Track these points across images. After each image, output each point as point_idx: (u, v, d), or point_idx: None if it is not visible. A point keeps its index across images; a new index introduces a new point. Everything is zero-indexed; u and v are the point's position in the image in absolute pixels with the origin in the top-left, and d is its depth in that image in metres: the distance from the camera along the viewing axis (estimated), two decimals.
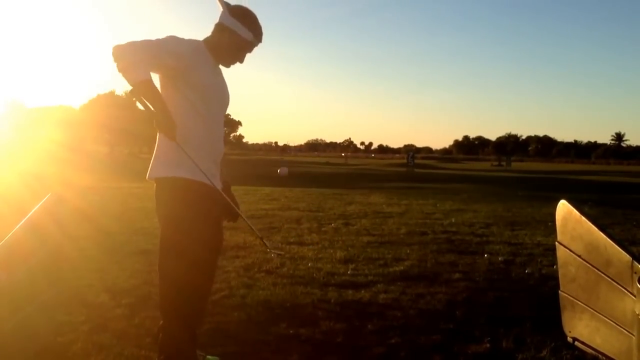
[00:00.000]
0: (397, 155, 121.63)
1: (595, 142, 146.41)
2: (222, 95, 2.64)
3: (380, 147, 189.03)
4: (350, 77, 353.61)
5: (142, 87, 2.36)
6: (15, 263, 2.51)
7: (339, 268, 4.88)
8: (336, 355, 2.92)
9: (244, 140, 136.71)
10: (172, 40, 2.44)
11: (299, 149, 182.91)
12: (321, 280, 4.43)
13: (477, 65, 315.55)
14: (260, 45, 2.64)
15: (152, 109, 2.39)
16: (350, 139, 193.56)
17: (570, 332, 3.08)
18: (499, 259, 5.41)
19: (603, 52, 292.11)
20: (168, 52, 2.40)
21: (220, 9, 2.56)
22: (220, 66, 2.65)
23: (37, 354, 2.75)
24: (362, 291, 4.11)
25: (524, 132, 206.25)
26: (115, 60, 2.32)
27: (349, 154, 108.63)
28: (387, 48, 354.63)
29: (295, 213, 9.09)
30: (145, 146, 59.21)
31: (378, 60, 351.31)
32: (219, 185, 2.60)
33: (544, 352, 2.93)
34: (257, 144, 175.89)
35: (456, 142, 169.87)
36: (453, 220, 8.38)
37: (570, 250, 2.98)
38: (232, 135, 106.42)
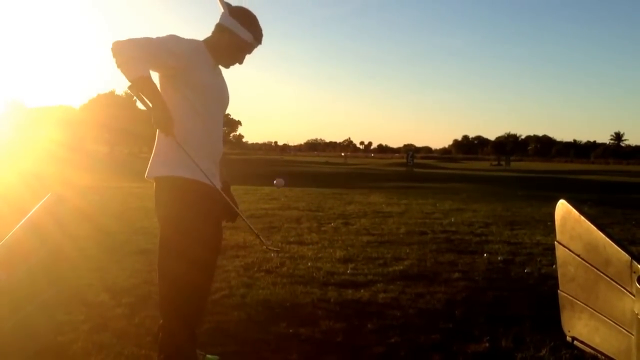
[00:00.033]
0: (397, 154, 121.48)
1: (595, 141, 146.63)
2: (221, 95, 2.63)
3: (380, 146, 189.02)
4: (350, 76, 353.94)
5: (140, 83, 2.35)
6: (15, 262, 2.51)
7: (338, 267, 4.89)
8: (336, 354, 2.93)
9: (244, 139, 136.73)
10: (172, 39, 2.44)
11: (298, 148, 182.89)
12: (321, 279, 4.44)
13: (476, 65, 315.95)
14: (260, 45, 2.65)
15: (150, 105, 2.39)
16: (349, 138, 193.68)
17: (569, 331, 3.08)
18: (498, 258, 5.41)
19: (602, 51, 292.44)
20: (167, 50, 2.40)
21: (221, 9, 2.56)
22: (220, 66, 2.65)
23: (37, 353, 2.76)
24: (362, 290, 4.12)
25: (523, 131, 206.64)
26: (115, 56, 2.32)
27: (348, 153, 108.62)
28: (387, 48, 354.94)
29: (295, 212, 9.09)
30: (145, 146, 59.11)
31: (378, 60, 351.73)
32: (218, 185, 2.60)
33: (543, 352, 2.94)
34: (256, 144, 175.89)
35: (455, 141, 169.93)
36: (452, 220, 8.39)
37: (570, 250, 2.98)
38: (231, 134, 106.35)
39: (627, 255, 2.57)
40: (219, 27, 2.56)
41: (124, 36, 2.38)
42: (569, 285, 3.05)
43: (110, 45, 2.33)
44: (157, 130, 2.50)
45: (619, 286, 2.62)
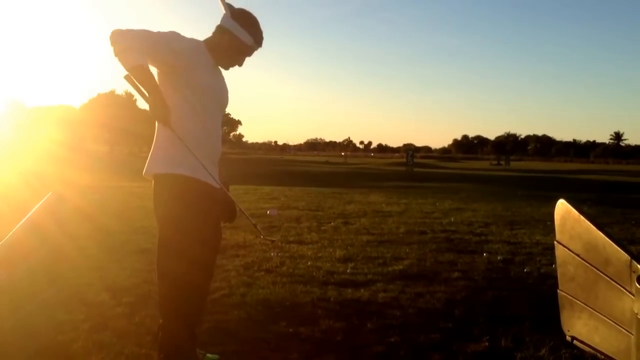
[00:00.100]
0: (397, 154, 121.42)
1: (594, 141, 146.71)
2: (220, 95, 2.63)
3: (380, 146, 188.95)
4: (349, 76, 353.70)
5: (136, 72, 2.34)
6: (15, 262, 2.51)
7: (338, 267, 4.89)
8: (335, 353, 2.93)
9: (244, 139, 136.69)
10: (173, 36, 2.44)
11: (298, 148, 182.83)
12: (321, 279, 4.44)
13: (476, 65, 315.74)
14: (260, 48, 2.64)
15: (147, 95, 2.38)
16: (349, 138, 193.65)
17: (569, 331, 3.09)
18: (498, 258, 5.42)
19: (602, 51, 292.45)
20: (166, 45, 2.39)
21: (222, 11, 2.56)
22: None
23: (37, 353, 2.76)
24: (362, 290, 4.12)
25: (523, 131, 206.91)
26: (113, 44, 2.31)
27: (348, 153, 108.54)
28: (387, 48, 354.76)
29: (294, 212, 9.09)
30: (145, 145, 59.06)
31: (378, 60, 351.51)
32: (217, 184, 2.60)
33: (543, 351, 2.94)
34: (256, 143, 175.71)
35: (455, 141, 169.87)
36: (452, 220, 8.39)
37: (569, 250, 2.98)
38: (231, 134, 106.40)
39: (626, 254, 2.57)
40: (220, 29, 2.55)
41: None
42: (569, 285, 3.05)
43: (109, 33, 2.31)
44: (157, 126, 2.50)
45: (618, 286, 2.62)
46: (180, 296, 2.47)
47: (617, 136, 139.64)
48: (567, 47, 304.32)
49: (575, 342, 3.02)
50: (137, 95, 2.45)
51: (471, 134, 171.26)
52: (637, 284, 2.46)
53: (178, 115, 2.44)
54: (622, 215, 9.21)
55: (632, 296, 2.52)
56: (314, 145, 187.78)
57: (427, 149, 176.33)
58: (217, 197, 2.58)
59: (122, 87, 78.00)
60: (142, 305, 3.62)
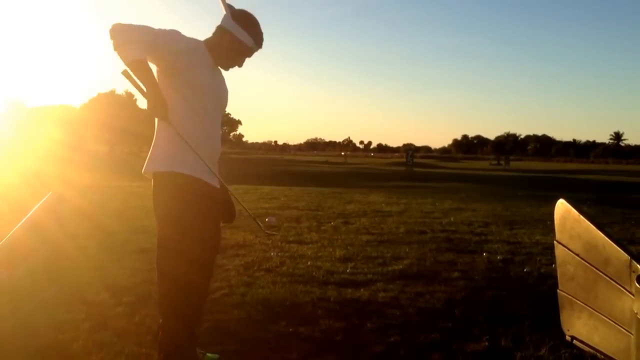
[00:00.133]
0: (396, 154, 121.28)
1: (594, 141, 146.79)
2: (220, 95, 2.63)
3: (380, 146, 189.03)
4: (349, 76, 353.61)
5: (134, 66, 2.33)
6: (16, 261, 2.52)
7: (338, 267, 4.89)
8: (335, 353, 2.93)
9: (244, 139, 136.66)
10: (174, 34, 2.44)
11: (298, 147, 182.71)
12: (320, 278, 4.44)
13: (476, 65, 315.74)
14: (260, 49, 2.64)
15: (144, 90, 2.38)
16: (349, 137, 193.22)
17: (568, 330, 3.09)
18: (498, 257, 5.42)
19: (602, 51, 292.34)
20: (167, 43, 2.39)
21: (223, 11, 2.56)
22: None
23: (37, 352, 2.76)
24: (362, 290, 4.12)
25: (522, 131, 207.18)
26: (112, 38, 2.30)
27: (348, 152, 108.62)
28: (387, 48, 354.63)
29: (294, 212, 9.10)
30: (145, 145, 59.04)
31: (378, 60, 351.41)
32: (217, 183, 2.60)
33: (543, 351, 2.94)
34: (256, 143, 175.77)
35: (455, 141, 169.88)
36: (452, 219, 8.39)
37: (569, 249, 2.99)
38: (232, 134, 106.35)
39: (626, 254, 2.57)
40: (221, 29, 2.55)
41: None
42: (569, 285, 3.05)
43: (110, 27, 2.30)
44: (157, 124, 2.50)
45: (618, 285, 2.63)
46: (180, 296, 2.47)
47: (617, 136, 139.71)
48: (567, 47, 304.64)
49: (575, 341, 3.02)
50: (135, 92, 2.45)
51: (471, 134, 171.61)
52: (636, 284, 2.46)
53: (177, 115, 2.44)
54: (621, 215, 9.22)
55: (631, 296, 2.52)
56: (314, 145, 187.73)
57: (427, 148, 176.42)
58: (217, 197, 2.59)
59: (123, 86, 77.98)
60: (142, 304, 3.62)
